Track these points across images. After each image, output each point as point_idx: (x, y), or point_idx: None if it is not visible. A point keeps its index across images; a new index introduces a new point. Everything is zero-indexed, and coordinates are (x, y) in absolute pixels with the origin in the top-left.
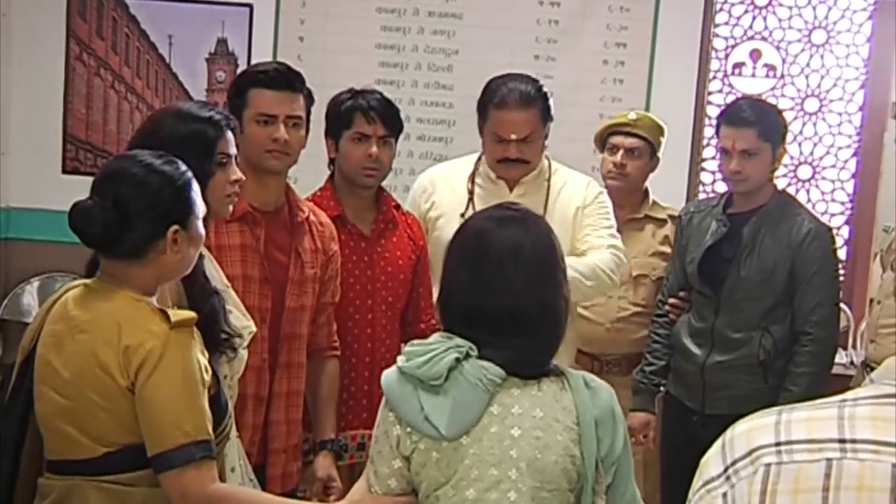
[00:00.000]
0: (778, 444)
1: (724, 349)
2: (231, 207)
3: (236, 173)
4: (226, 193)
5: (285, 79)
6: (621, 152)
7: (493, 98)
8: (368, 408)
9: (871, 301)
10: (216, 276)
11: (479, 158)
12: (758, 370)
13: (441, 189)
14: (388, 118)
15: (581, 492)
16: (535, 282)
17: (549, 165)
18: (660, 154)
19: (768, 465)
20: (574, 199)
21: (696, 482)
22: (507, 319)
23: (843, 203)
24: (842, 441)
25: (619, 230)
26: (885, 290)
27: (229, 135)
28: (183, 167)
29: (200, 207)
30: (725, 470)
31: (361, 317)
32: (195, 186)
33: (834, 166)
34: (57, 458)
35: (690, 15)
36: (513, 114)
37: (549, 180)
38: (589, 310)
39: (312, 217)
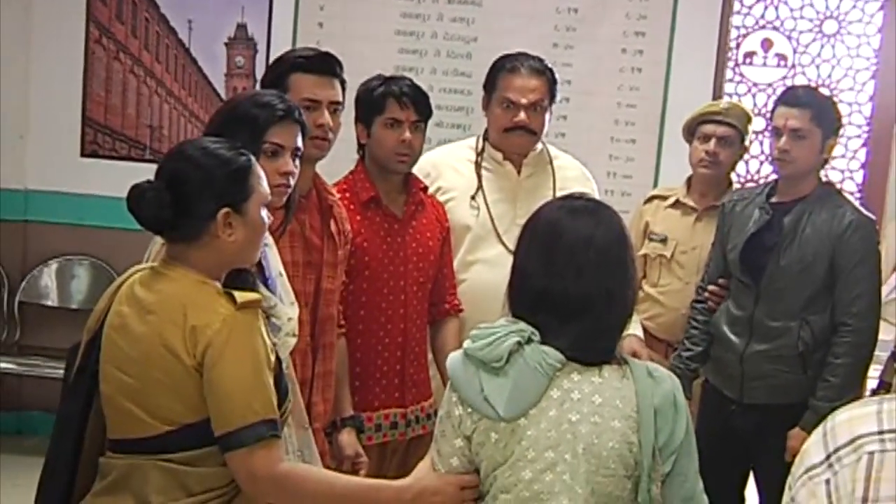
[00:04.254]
0: (881, 432)
1: (763, 338)
2: (283, 198)
3: (287, 165)
4: (273, 183)
5: (327, 64)
6: (714, 141)
7: (505, 65)
8: (400, 387)
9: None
10: (273, 263)
11: (478, 142)
12: (797, 361)
13: (446, 173)
14: (420, 104)
15: (638, 479)
16: (604, 270)
17: (548, 150)
18: (747, 142)
19: (871, 452)
20: (578, 185)
21: (797, 469)
22: (575, 304)
23: (852, 193)
24: None
25: (699, 217)
26: None
27: (287, 125)
28: (244, 153)
29: (262, 195)
30: (828, 457)
31: (395, 297)
32: (257, 173)
33: (843, 156)
34: (119, 436)
35: (709, 4)
36: (525, 78)
37: (551, 164)
38: (664, 296)
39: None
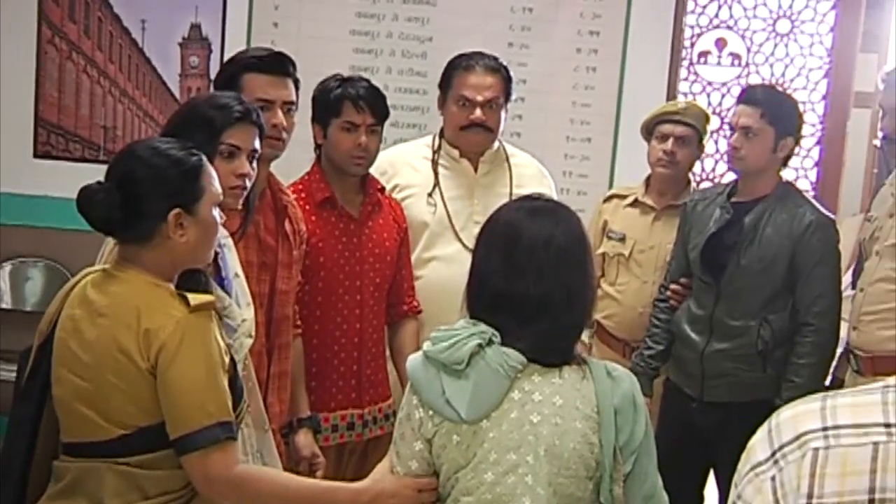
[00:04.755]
0: (825, 428)
1: (723, 337)
2: (240, 200)
3: (243, 167)
4: (229, 185)
5: (280, 63)
6: (671, 140)
7: (461, 64)
8: (357, 388)
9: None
10: (231, 264)
11: (435, 140)
12: (756, 359)
13: (403, 170)
14: (377, 107)
15: (600, 479)
16: (564, 270)
17: (504, 148)
18: (705, 142)
19: (816, 449)
20: (534, 183)
21: (743, 466)
22: (535, 305)
23: (806, 191)
24: (887, 425)
25: (657, 216)
26: (868, 278)
27: (244, 127)
28: (195, 153)
29: (214, 195)
30: (773, 454)
31: (350, 297)
32: (209, 173)
33: (797, 154)
34: (73, 440)
35: (663, 3)
36: (480, 76)
37: (508, 161)
38: (622, 294)
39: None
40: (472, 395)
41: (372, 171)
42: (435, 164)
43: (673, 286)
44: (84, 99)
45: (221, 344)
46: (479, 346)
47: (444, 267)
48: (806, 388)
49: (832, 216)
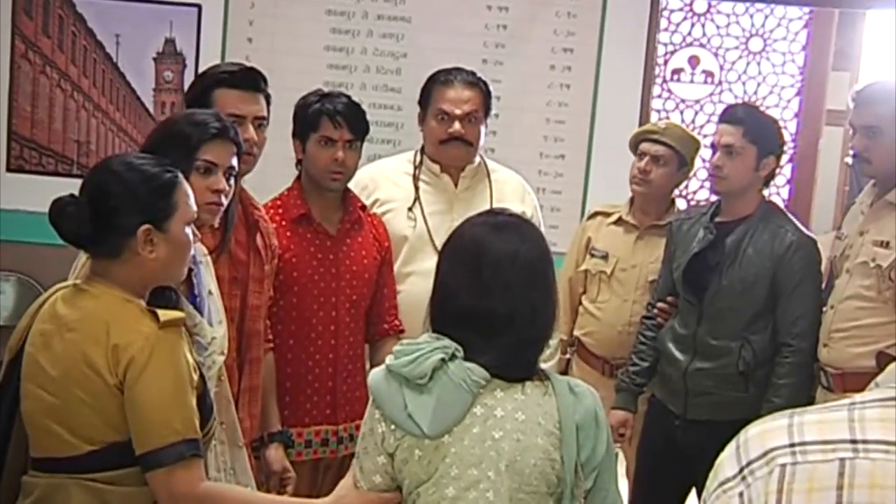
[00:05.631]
0: (792, 445)
1: (705, 357)
2: (216, 217)
3: (219, 183)
4: (205, 201)
5: (251, 79)
6: (647, 159)
7: (439, 78)
8: (332, 404)
9: None
10: (205, 282)
11: (416, 155)
12: (738, 379)
13: (383, 185)
14: (354, 122)
15: (561, 495)
16: (529, 286)
17: (486, 163)
18: (693, 167)
19: (783, 465)
20: (516, 199)
21: (711, 483)
22: (500, 321)
23: None
24: (853, 442)
25: (640, 235)
26: (839, 295)
27: (220, 144)
28: (170, 170)
29: (187, 213)
30: (741, 471)
31: (325, 314)
32: (184, 190)
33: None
34: (42, 455)
35: (636, 21)
36: (458, 90)
37: (489, 177)
38: (602, 312)
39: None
40: (434, 409)
41: (352, 185)
42: (416, 178)
43: (660, 304)
44: (57, 113)
45: (190, 361)
46: (442, 360)
47: (422, 281)
48: (785, 407)
49: (814, 236)
